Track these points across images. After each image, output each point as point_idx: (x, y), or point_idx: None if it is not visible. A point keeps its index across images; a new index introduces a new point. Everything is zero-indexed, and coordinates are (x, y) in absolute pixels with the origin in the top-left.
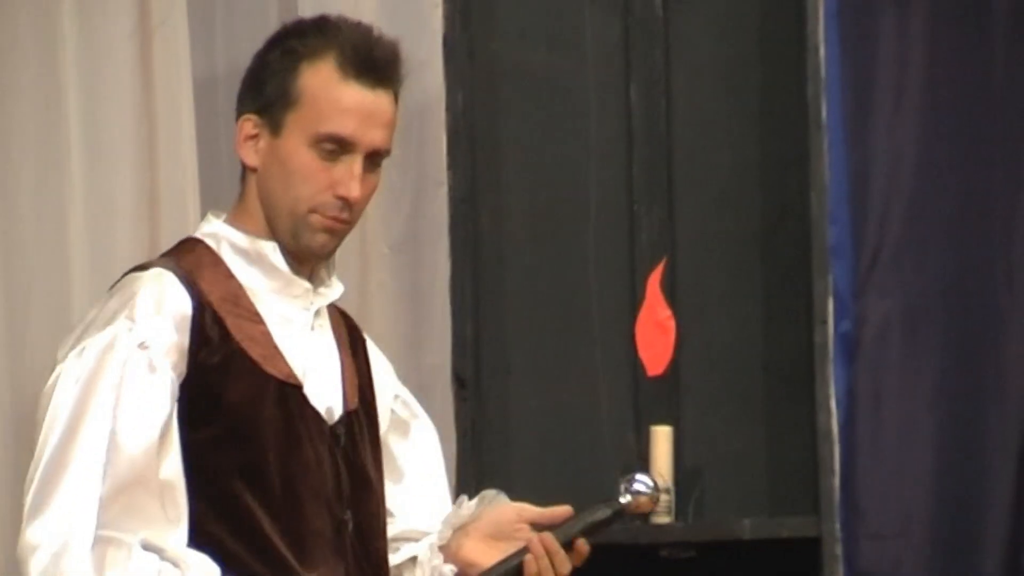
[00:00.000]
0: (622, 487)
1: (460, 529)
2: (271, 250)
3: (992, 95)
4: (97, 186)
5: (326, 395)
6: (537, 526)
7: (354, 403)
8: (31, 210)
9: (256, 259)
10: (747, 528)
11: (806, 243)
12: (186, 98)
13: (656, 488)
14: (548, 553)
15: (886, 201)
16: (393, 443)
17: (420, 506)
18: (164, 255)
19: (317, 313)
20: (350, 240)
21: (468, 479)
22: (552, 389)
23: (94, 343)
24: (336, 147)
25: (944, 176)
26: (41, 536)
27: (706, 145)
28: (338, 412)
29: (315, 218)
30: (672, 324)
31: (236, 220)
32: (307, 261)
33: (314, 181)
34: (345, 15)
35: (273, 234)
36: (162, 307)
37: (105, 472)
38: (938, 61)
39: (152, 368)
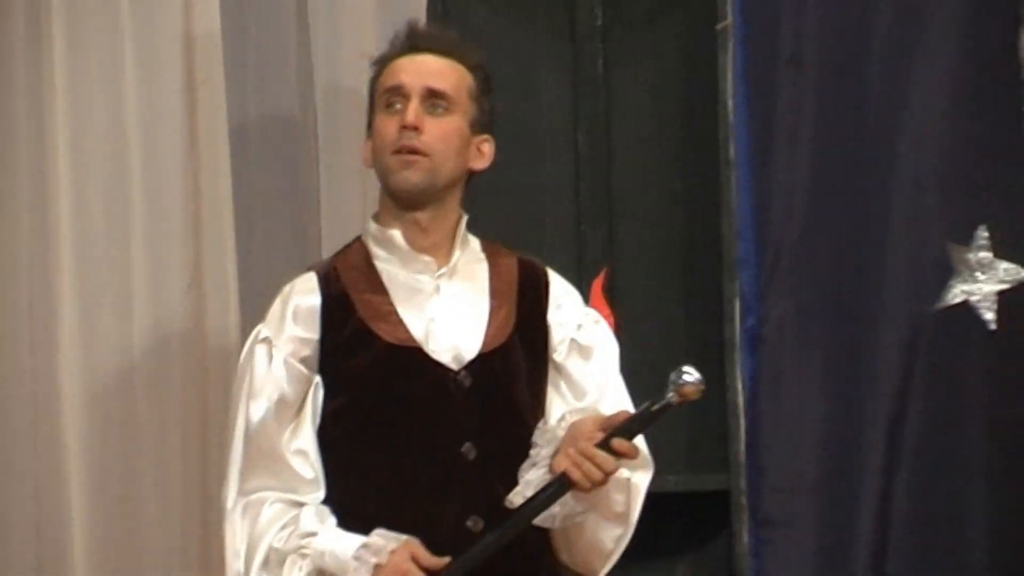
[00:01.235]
0: (670, 380)
1: (559, 444)
2: (395, 235)
3: (867, 138)
4: (153, 210)
5: (451, 346)
6: (607, 430)
7: (499, 342)
8: (102, 228)
9: (386, 243)
10: (671, 483)
11: (719, 256)
12: (223, 140)
13: (701, 379)
14: (587, 458)
15: (783, 223)
16: (573, 367)
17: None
18: (338, 253)
19: (447, 275)
20: None
21: None
22: None
23: (247, 344)
24: (396, 99)
25: (830, 203)
26: (222, 500)
27: (639, 178)
28: (469, 356)
29: (393, 159)
30: (612, 321)
31: (377, 216)
32: (427, 221)
33: (388, 130)
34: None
35: (397, 207)
36: (287, 307)
37: (245, 446)
38: (825, 110)
39: (270, 358)
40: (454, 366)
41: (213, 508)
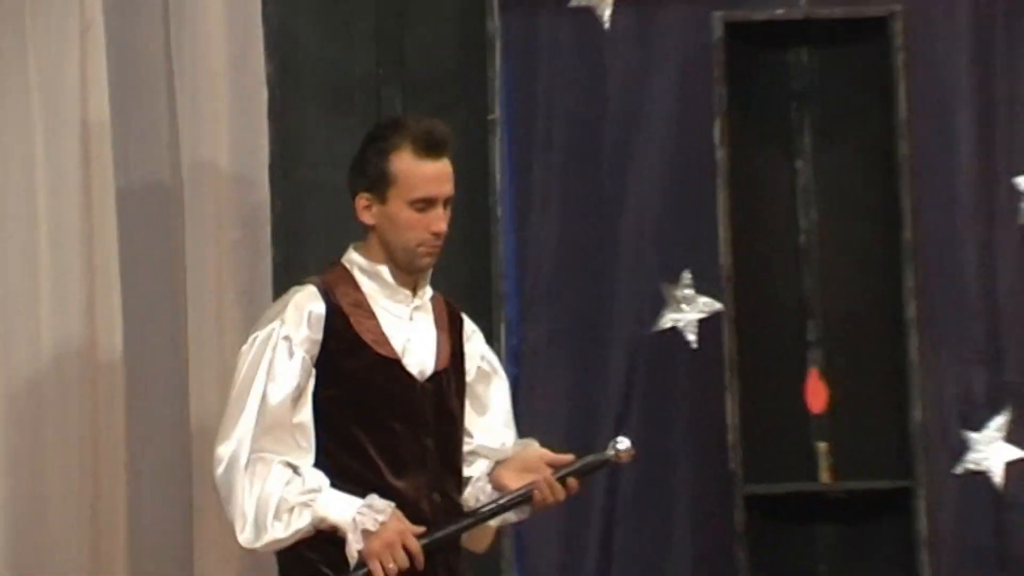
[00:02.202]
0: (611, 443)
1: (501, 463)
2: (383, 271)
3: (602, 203)
4: (57, 255)
5: (419, 362)
6: (551, 466)
7: (444, 364)
8: (16, 269)
9: (374, 276)
10: None
11: (490, 290)
12: (111, 201)
13: (632, 446)
14: (549, 486)
15: (537, 267)
16: (479, 388)
17: (492, 430)
18: (319, 274)
19: (418, 308)
20: (209, 288)
21: None
22: None
23: (261, 335)
24: (425, 204)
25: (573, 252)
26: (221, 453)
27: None
28: (428, 372)
29: (421, 250)
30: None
31: (363, 251)
32: (411, 276)
33: (417, 228)
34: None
35: (390, 261)
36: (302, 312)
37: (258, 417)
38: (569, 182)
39: (291, 353)
40: (419, 378)
41: (102, 493)
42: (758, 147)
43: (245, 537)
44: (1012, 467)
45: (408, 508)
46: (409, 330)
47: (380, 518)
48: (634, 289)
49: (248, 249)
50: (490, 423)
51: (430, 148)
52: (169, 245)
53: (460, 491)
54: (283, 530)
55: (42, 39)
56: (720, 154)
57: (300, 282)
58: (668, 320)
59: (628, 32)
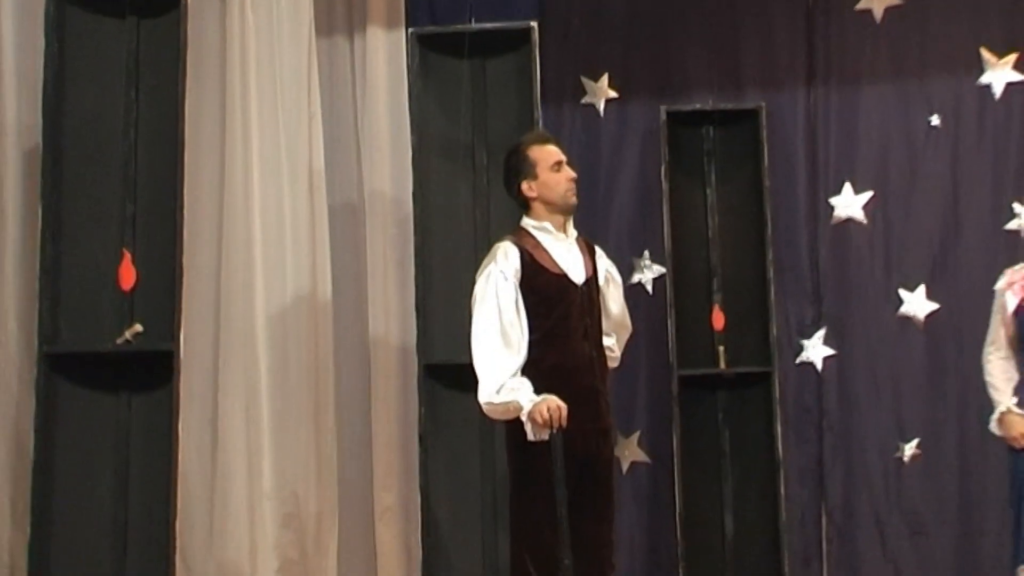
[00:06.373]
0: None
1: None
2: (547, 225)
3: (600, 213)
4: (298, 239)
5: (576, 274)
6: None
7: (589, 275)
8: (273, 248)
9: (541, 229)
10: None
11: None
12: (324, 214)
13: None
14: None
15: None
16: (604, 289)
17: (613, 317)
18: (510, 234)
19: (570, 243)
20: (378, 260)
21: None
22: None
23: (487, 272)
24: (558, 165)
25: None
26: (476, 334)
27: None
28: (582, 280)
29: (569, 193)
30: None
31: (531, 217)
32: (564, 220)
33: (561, 180)
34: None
35: (549, 218)
36: (507, 257)
37: (497, 317)
38: (582, 200)
39: (507, 279)
40: (578, 283)
41: (319, 375)
42: (685, 182)
43: (489, 388)
44: (827, 360)
45: (581, 358)
46: (568, 256)
47: (535, 399)
48: (617, 261)
49: (400, 238)
50: (611, 311)
51: (545, 139)
52: (356, 235)
53: (603, 348)
54: (505, 396)
55: (287, 121)
56: (664, 185)
57: (500, 240)
58: (636, 278)
59: (613, 118)
